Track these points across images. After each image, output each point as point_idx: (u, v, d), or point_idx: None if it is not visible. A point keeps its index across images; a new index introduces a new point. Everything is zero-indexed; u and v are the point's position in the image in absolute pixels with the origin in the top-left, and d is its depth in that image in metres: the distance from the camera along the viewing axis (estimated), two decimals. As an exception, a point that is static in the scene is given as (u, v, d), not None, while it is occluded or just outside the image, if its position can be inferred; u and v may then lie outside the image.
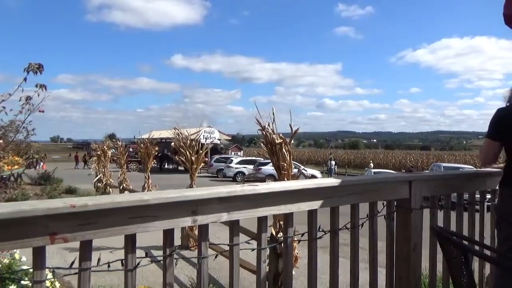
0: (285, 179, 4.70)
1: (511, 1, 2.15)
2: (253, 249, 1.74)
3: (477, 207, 2.72)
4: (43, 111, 3.39)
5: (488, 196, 2.76)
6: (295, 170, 4.95)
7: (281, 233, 4.52)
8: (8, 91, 3.32)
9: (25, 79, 3.04)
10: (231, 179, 26.31)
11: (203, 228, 1.58)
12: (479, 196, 2.72)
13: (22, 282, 1.88)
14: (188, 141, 7.41)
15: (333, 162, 33.83)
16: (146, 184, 9.67)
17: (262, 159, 23.64)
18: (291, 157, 4.79)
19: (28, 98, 3.29)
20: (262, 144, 4.90)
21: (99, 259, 1.36)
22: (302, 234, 1.90)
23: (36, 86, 3.16)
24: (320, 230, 1.94)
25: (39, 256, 1.24)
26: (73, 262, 1.33)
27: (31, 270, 1.26)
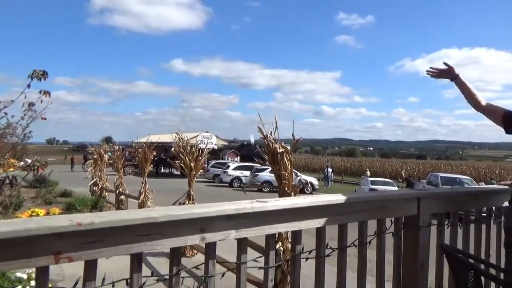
0: (286, 188, 4.66)
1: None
2: (260, 268, 1.70)
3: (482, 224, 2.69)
4: (45, 119, 3.32)
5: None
6: (296, 179, 4.91)
7: (280, 243, 4.47)
8: (7, 92, 3.27)
9: (28, 85, 2.98)
10: (227, 184, 26.22)
11: (211, 246, 1.53)
12: (485, 214, 2.68)
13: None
14: (188, 147, 7.36)
15: (330, 169, 33.63)
16: (142, 189, 9.57)
17: (259, 165, 23.58)
18: (292, 166, 4.76)
19: (31, 105, 3.22)
20: (260, 152, 4.86)
21: (104, 279, 1.31)
22: (310, 252, 1.85)
23: (40, 92, 3.10)
24: (328, 247, 1.89)
25: (42, 276, 1.18)
26: (77, 282, 1.28)
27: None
